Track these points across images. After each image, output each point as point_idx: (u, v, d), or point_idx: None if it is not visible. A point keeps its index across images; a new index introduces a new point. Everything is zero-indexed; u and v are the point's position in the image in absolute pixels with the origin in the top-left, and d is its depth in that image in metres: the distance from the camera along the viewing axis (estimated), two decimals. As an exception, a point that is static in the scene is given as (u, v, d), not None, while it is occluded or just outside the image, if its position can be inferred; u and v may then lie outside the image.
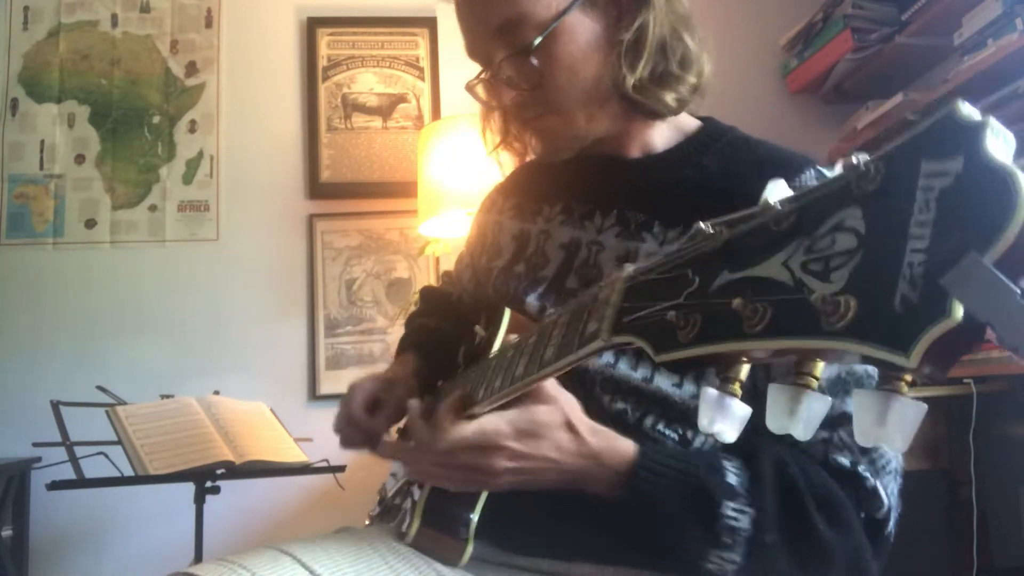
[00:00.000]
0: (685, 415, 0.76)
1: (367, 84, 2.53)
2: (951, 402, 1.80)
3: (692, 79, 0.84)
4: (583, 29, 0.81)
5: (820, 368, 0.36)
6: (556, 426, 0.68)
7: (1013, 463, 1.93)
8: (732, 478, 0.69)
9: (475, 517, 0.76)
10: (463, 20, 0.87)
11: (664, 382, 0.76)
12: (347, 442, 0.95)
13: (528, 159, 1.02)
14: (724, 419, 0.40)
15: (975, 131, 0.30)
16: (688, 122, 0.92)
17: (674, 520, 0.68)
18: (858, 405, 0.33)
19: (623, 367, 0.77)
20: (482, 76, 0.88)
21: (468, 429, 0.67)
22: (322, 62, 2.52)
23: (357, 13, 2.55)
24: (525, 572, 0.80)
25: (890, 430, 0.32)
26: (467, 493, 0.76)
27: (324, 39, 2.53)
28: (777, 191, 0.39)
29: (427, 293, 1.20)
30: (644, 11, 0.81)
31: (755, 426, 0.42)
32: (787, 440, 0.73)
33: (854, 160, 0.34)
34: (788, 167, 0.80)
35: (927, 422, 1.80)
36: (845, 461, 0.73)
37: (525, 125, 0.88)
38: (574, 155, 0.88)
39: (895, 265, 0.30)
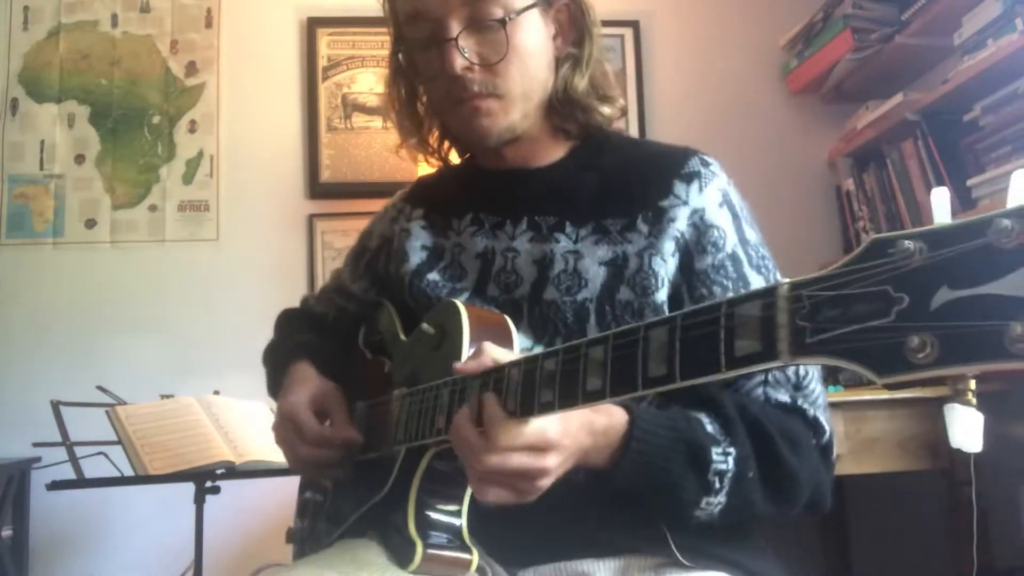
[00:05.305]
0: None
1: (367, 84, 2.52)
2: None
3: (620, 102, 0.94)
4: (537, 28, 0.87)
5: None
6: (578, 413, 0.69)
7: (1013, 463, 1.93)
8: (709, 427, 0.74)
9: (463, 523, 0.77)
10: None
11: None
12: (321, 466, 0.90)
13: (436, 164, 1.03)
14: (971, 430, 0.45)
15: None
16: None
17: (671, 475, 0.71)
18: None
19: None
20: (426, 38, 0.87)
21: (528, 429, 0.63)
22: (322, 62, 2.52)
23: (357, 13, 2.54)
24: None
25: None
26: (449, 502, 0.77)
27: (324, 39, 2.53)
28: (1018, 181, 0.38)
29: (291, 315, 1.16)
30: (586, 39, 0.90)
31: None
32: (731, 387, 0.79)
33: None
34: (674, 158, 0.89)
35: (927, 422, 1.82)
36: (785, 398, 0.79)
37: (461, 103, 0.86)
38: (477, 171, 0.95)
39: None
